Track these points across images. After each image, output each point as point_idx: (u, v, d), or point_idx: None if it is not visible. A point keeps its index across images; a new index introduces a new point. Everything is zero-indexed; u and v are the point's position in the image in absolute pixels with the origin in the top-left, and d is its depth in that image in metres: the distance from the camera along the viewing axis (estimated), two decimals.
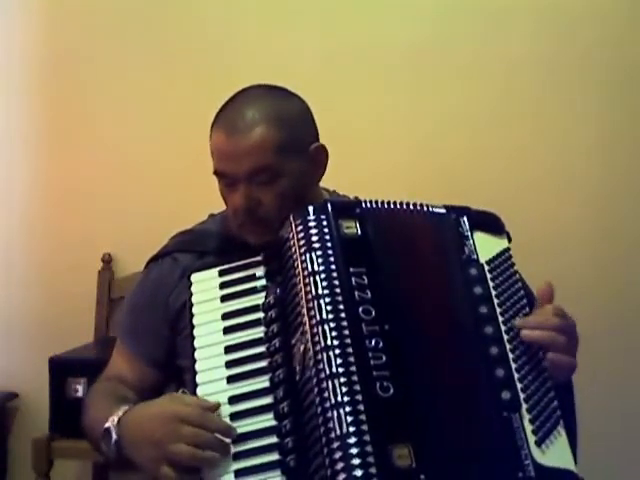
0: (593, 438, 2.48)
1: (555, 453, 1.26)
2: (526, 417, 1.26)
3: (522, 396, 1.28)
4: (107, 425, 1.36)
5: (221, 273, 1.45)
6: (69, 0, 2.88)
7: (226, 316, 1.40)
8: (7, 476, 2.88)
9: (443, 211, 1.44)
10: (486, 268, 1.39)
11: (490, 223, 1.46)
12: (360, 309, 1.27)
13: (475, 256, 1.40)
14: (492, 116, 2.69)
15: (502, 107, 2.69)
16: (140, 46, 2.83)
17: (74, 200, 2.88)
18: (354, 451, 1.15)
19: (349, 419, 1.17)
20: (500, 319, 1.34)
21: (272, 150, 1.44)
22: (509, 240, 1.46)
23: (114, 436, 1.35)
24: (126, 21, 2.84)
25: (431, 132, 2.71)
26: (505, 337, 1.33)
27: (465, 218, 1.43)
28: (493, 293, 1.37)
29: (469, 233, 1.42)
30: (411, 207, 1.42)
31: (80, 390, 2.49)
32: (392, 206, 1.42)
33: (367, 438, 1.16)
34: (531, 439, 1.25)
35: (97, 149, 2.86)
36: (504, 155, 2.70)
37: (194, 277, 1.46)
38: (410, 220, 1.42)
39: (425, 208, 1.43)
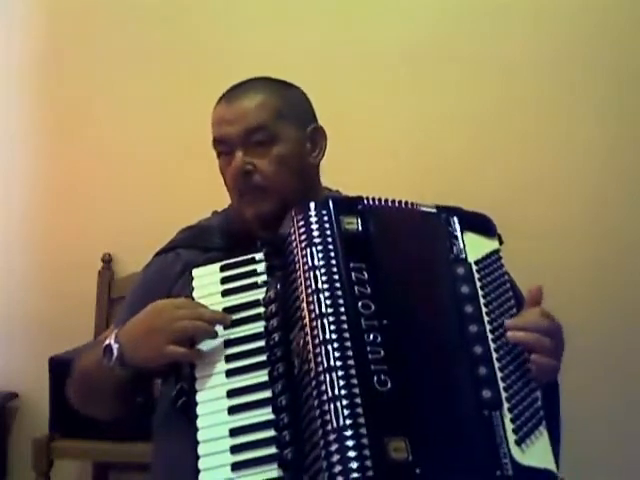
0: (592, 437, 2.49)
1: (535, 453, 1.26)
2: (507, 416, 1.27)
3: (504, 395, 1.28)
4: (106, 343, 1.41)
5: (222, 268, 1.44)
6: (69, 0, 2.88)
7: (227, 311, 1.40)
8: (7, 476, 2.88)
9: (433, 210, 1.45)
10: (474, 268, 1.40)
11: (481, 224, 1.47)
12: (359, 304, 1.27)
13: (463, 255, 1.40)
14: (492, 116, 2.69)
15: (502, 107, 2.70)
16: (140, 47, 2.84)
17: (74, 200, 2.89)
18: (350, 444, 1.15)
19: (346, 412, 1.17)
20: (486, 319, 1.35)
21: (270, 112, 1.51)
22: (500, 242, 1.47)
23: (115, 351, 1.39)
24: (125, 21, 2.85)
25: (431, 132, 2.71)
26: (490, 336, 1.33)
27: (455, 218, 1.44)
28: (480, 293, 1.37)
29: (459, 233, 1.42)
30: (403, 205, 1.43)
31: None
32: (393, 203, 1.43)
33: (363, 431, 1.16)
34: (511, 438, 1.25)
35: (97, 149, 2.87)
36: (504, 155, 2.70)
37: (195, 272, 1.46)
38: (404, 217, 1.43)
39: (415, 206, 1.44)
